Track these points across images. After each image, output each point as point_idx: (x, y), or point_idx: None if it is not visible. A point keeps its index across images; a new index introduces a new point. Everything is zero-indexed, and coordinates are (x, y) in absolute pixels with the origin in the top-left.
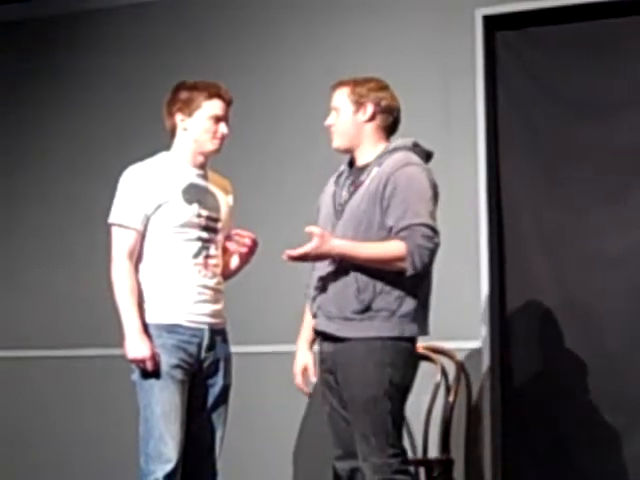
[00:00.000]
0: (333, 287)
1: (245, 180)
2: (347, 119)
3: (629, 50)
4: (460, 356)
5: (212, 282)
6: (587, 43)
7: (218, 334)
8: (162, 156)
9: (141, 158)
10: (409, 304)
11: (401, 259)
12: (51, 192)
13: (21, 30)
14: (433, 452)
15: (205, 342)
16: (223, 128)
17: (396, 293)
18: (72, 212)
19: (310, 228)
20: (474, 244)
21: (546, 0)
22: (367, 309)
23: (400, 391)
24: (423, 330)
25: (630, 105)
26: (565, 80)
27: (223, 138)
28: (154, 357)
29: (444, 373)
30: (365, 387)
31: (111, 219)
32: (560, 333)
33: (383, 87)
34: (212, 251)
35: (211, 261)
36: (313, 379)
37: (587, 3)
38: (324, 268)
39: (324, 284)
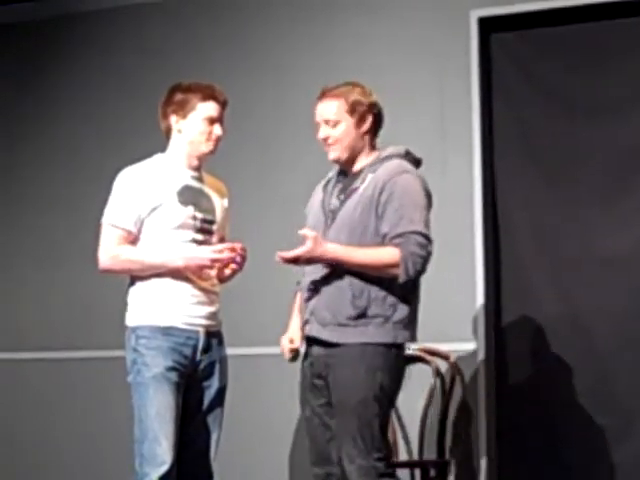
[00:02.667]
0: (327, 293)
1: (241, 182)
2: (349, 131)
3: (624, 51)
4: (455, 358)
5: (207, 284)
6: (582, 44)
7: (214, 336)
8: (157, 158)
9: (139, 159)
10: (402, 311)
11: (394, 266)
12: (48, 193)
13: (18, 32)
14: (428, 454)
15: (201, 344)
16: (217, 130)
17: (390, 300)
18: (68, 213)
19: (304, 231)
20: (469, 245)
21: (541, 2)
22: (362, 315)
23: (388, 396)
24: (413, 337)
25: (626, 105)
26: (560, 81)
27: (218, 140)
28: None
29: (439, 375)
30: (356, 390)
31: (104, 219)
32: (555, 334)
33: (370, 92)
34: None
35: None
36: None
37: (582, 5)
38: (317, 273)
39: (317, 289)
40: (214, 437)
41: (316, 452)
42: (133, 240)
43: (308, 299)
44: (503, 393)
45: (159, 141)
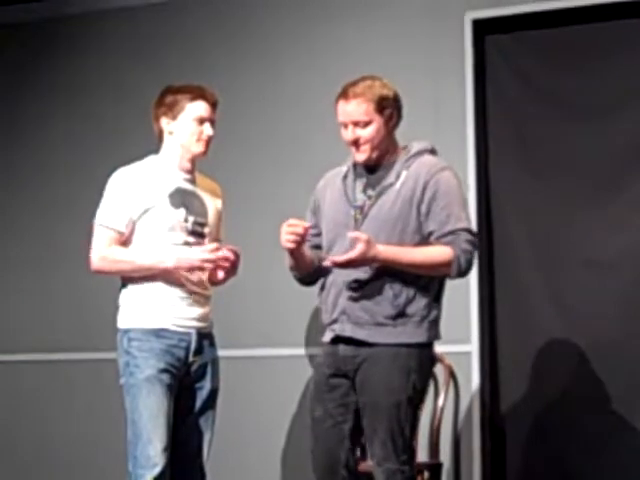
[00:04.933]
0: (363, 292)
1: (238, 183)
2: (380, 130)
3: (617, 52)
4: (449, 360)
5: (198, 287)
6: (576, 46)
7: (205, 338)
8: (150, 160)
9: (135, 160)
10: (435, 310)
11: (447, 264)
12: (43, 195)
13: (15, 33)
14: (422, 456)
15: (193, 346)
16: (208, 129)
17: (425, 299)
18: (63, 215)
19: (355, 234)
20: None
21: (535, 4)
22: (401, 314)
23: (420, 397)
24: (439, 335)
25: (620, 107)
26: (554, 83)
27: (208, 140)
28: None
29: (433, 377)
30: (390, 392)
31: (96, 220)
32: (550, 336)
33: (389, 84)
34: None
35: None
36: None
37: (576, 7)
38: (351, 271)
39: (351, 289)
40: (206, 439)
41: (323, 455)
42: (125, 241)
43: (337, 297)
44: (497, 395)
45: (156, 142)
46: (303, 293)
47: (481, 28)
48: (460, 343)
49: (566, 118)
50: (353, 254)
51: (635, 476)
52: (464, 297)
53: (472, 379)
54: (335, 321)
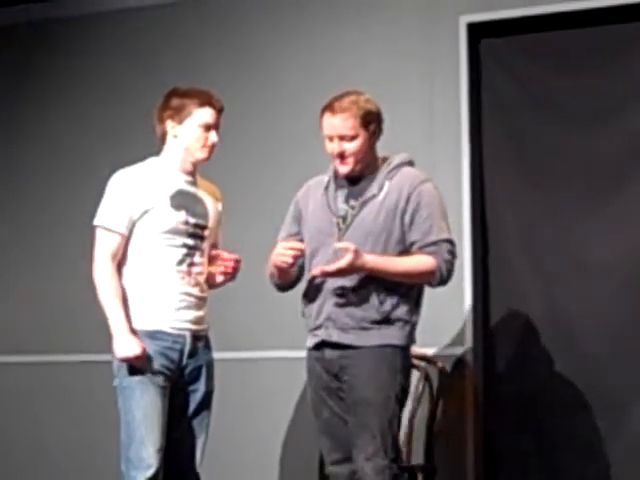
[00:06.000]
0: (348, 299)
1: (234, 184)
2: (364, 144)
3: (613, 57)
4: (444, 363)
5: (195, 290)
6: (571, 51)
7: (200, 340)
8: (151, 161)
9: (133, 162)
10: (416, 315)
11: (430, 273)
12: (40, 195)
13: (14, 34)
14: (416, 459)
15: (187, 348)
16: (213, 136)
17: (407, 305)
18: (59, 216)
19: (344, 244)
20: (458, 249)
21: (530, 8)
22: (385, 320)
23: (405, 396)
24: (415, 340)
25: (615, 112)
26: (549, 88)
27: (213, 146)
28: (144, 353)
29: (428, 379)
30: (379, 389)
31: (96, 221)
32: (544, 340)
33: (372, 100)
34: (197, 259)
35: (195, 269)
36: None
37: (571, 11)
38: (334, 280)
39: (337, 295)
40: (200, 441)
41: (340, 451)
42: (125, 244)
43: (323, 304)
44: (491, 398)
45: (156, 144)
46: (298, 296)
47: (476, 32)
48: (454, 346)
49: (561, 122)
50: (343, 263)
51: (631, 477)
52: (459, 301)
53: (466, 382)
54: (319, 327)
